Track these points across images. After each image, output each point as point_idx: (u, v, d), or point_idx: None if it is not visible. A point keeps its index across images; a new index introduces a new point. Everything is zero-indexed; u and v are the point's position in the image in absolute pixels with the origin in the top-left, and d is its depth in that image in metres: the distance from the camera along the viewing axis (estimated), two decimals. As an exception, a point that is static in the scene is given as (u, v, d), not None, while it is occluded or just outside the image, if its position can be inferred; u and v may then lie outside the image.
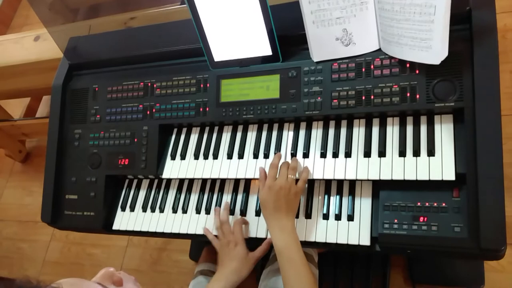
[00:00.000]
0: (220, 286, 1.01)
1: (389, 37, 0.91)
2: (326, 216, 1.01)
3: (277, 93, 1.06)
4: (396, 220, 0.91)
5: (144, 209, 1.21)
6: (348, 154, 0.99)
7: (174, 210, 1.17)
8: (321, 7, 0.93)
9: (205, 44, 1.09)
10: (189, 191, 1.19)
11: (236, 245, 1.05)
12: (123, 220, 1.22)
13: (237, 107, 1.10)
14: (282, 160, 1.03)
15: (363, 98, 0.97)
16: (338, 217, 1.00)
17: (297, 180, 0.99)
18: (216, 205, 1.13)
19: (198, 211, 1.15)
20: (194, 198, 1.18)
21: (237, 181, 1.15)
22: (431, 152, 0.91)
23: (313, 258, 1.21)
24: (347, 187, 1.03)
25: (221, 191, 1.15)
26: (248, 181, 1.14)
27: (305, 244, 0.99)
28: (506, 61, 1.69)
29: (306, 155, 1.03)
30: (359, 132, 1.01)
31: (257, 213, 1.08)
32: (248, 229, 1.08)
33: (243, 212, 1.10)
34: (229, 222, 1.08)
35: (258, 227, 1.07)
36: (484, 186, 0.82)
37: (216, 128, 1.17)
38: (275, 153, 1.06)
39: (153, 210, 1.20)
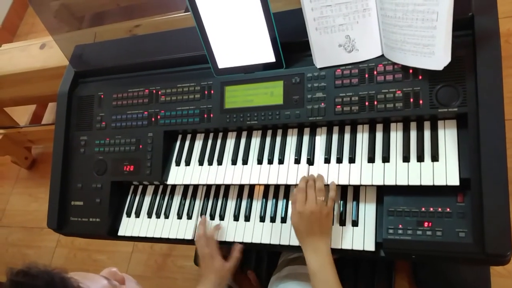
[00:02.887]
0: None
1: (392, 43, 0.91)
2: (330, 222, 1.01)
3: (280, 99, 1.07)
4: (400, 226, 0.91)
5: (149, 215, 1.22)
6: (352, 160, 0.99)
7: (179, 216, 1.18)
8: (324, 14, 0.94)
9: (209, 51, 1.10)
10: (193, 197, 1.20)
11: (212, 257, 1.07)
12: (129, 226, 1.23)
13: (241, 114, 1.10)
14: (303, 171, 1.03)
15: (367, 103, 0.98)
16: (342, 223, 1.00)
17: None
18: (220, 212, 1.13)
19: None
20: (198, 204, 1.18)
21: (241, 187, 1.15)
22: (435, 158, 0.92)
23: None
24: (351, 193, 1.03)
25: (226, 197, 1.16)
26: (252, 187, 1.14)
27: (309, 249, 0.99)
28: (509, 66, 1.68)
29: (310, 161, 1.03)
30: (362, 138, 1.01)
31: (262, 219, 1.08)
32: (223, 234, 1.10)
33: (248, 218, 1.10)
34: (204, 236, 1.09)
35: (262, 234, 1.07)
36: (489, 191, 0.82)
37: (220, 134, 1.18)
38: (279, 159, 1.07)
39: (158, 216, 1.20)
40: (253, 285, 1.41)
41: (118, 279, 0.77)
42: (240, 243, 1.09)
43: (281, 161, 1.07)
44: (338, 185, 1.01)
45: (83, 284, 0.65)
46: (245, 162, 1.10)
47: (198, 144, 1.19)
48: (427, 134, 0.95)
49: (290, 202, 1.02)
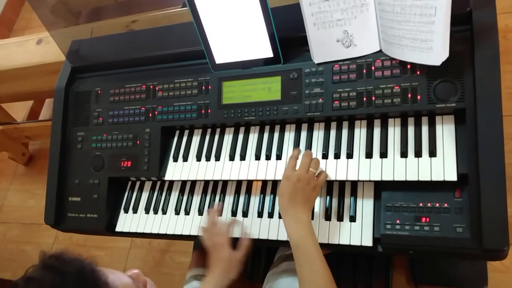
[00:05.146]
0: None
1: (390, 38, 0.91)
2: (328, 217, 1.01)
3: (278, 95, 1.06)
4: (398, 221, 0.91)
5: (147, 210, 1.21)
6: (349, 155, 0.99)
7: (177, 212, 1.18)
8: (322, 9, 0.93)
9: (207, 46, 1.09)
10: (191, 192, 1.19)
11: (222, 247, 1.04)
12: (126, 222, 1.22)
13: (239, 109, 1.10)
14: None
15: (364, 99, 0.97)
16: (340, 218, 1.00)
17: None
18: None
19: (200, 213, 1.15)
20: (196, 199, 1.18)
21: (239, 183, 1.15)
22: (432, 153, 0.92)
23: None
24: (349, 188, 1.03)
25: (223, 192, 1.16)
26: (250, 183, 1.14)
27: (307, 245, 0.99)
28: (507, 62, 1.69)
29: (308, 156, 1.03)
30: (360, 133, 1.01)
31: (259, 215, 1.08)
32: (239, 229, 1.08)
33: (245, 214, 1.10)
34: (216, 225, 1.07)
35: (260, 229, 1.07)
36: (486, 186, 0.82)
37: (218, 130, 1.17)
38: (277, 155, 1.07)
39: (155, 212, 1.20)
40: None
41: (141, 280, 0.77)
42: (238, 238, 1.08)
43: (279, 157, 1.07)
44: (335, 181, 1.01)
45: (110, 279, 0.66)
46: (243, 157, 1.10)
47: (195, 140, 1.19)
48: (425, 130, 0.95)
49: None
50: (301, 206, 0.93)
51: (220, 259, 1.04)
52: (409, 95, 0.93)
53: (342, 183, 1.04)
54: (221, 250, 1.04)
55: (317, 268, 0.88)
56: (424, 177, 0.90)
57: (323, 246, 0.99)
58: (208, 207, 1.15)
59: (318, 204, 1.04)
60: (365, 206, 0.99)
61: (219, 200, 1.14)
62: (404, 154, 0.94)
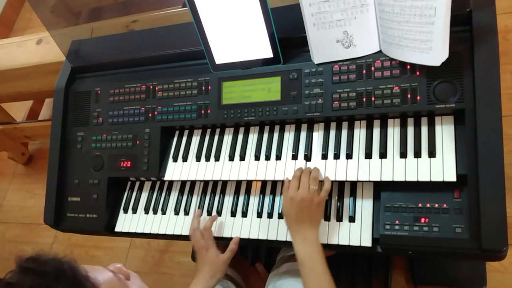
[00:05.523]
0: None
1: (389, 39, 0.91)
2: (327, 218, 1.01)
3: (278, 95, 1.07)
4: (397, 221, 0.91)
5: (146, 211, 1.21)
6: (349, 156, 0.99)
7: (176, 212, 1.18)
8: (322, 10, 0.94)
9: (207, 46, 1.09)
10: (191, 193, 1.20)
11: (207, 249, 1.06)
12: (126, 222, 1.22)
13: (239, 109, 1.10)
14: (300, 165, 1.03)
15: (364, 99, 0.97)
16: (339, 219, 1.00)
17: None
18: (217, 208, 1.13)
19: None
20: (196, 200, 1.18)
21: (238, 183, 1.15)
22: (432, 153, 0.92)
23: None
24: (348, 189, 1.03)
25: (223, 193, 1.16)
26: (249, 183, 1.14)
27: (306, 245, 0.99)
28: (506, 62, 1.69)
29: (307, 156, 1.03)
30: (360, 134, 1.01)
31: (259, 215, 1.08)
32: (220, 230, 1.10)
33: (245, 214, 1.10)
34: (199, 228, 1.09)
35: (259, 229, 1.07)
36: (485, 187, 0.82)
37: (217, 130, 1.17)
38: (276, 155, 1.07)
39: (155, 212, 1.20)
40: (261, 277, 1.41)
41: (123, 273, 0.77)
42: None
43: (278, 157, 1.07)
44: (335, 181, 1.01)
45: (90, 273, 0.66)
46: (242, 158, 1.10)
47: (195, 140, 1.19)
48: (424, 130, 0.95)
49: (283, 189, 1.01)
50: (308, 224, 0.95)
51: (206, 261, 1.06)
52: (409, 96, 0.94)
53: (341, 184, 1.04)
54: (206, 253, 1.06)
55: (323, 284, 0.90)
56: (424, 177, 0.90)
57: (324, 247, 1.00)
58: (208, 207, 1.15)
59: (318, 205, 1.04)
60: (364, 207, 0.99)
61: (219, 200, 1.14)
62: (403, 155, 0.94)
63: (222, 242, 1.10)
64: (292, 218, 0.96)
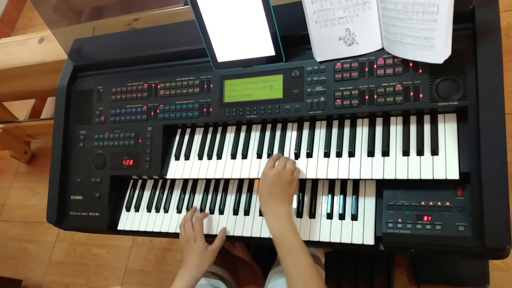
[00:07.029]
0: (184, 282, 1.02)
1: (392, 36, 0.91)
2: (330, 216, 1.01)
3: (280, 93, 1.06)
4: (400, 219, 0.91)
5: (149, 209, 1.22)
6: (351, 154, 0.99)
7: (179, 210, 1.18)
8: (324, 7, 0.93)
9: (208, 45, 1.09)
10: (193, 191, 1.20)
11: (196, 240, 1.06)
12: (128, 220, 1.23)
13: (241, 107, 1.10)
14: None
15: (367, 97, 0.97)
16: (342, 217, 1.00)
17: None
18: (219, 206, 1.13)
19: (202, 211, 1.15)
20: (198, 198, 1.18)
21: (241, 181, 1.15)
22: (434, 151, 0.91)
23: (320, 260, 1.20)
24: (350, 187, 1.03)
25: (225, 191, 1.16)
26: (252, 181, 1.14)
27: (309, 243, 0.99)
28: (510, 60, 1.68)
29: (309, 154, 1.03)
30: (362, 132, 1.01)
31: (261, 213, 1.08)
32: (211, 224, 1.11)
33: (247, 212, 1.10)
34: (191, 220, 1.10)
35: (262, 227, 1.07)
36: (488, 184, 0.82)
37: (219, 129, 1.17)
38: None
39: (157, 210, 1.20)
40: (250, 271, 1.40)
41: None
42: (239, 237, 1.09)
43: (280, 155, 1.07)
44: (338, 179, 1.01)
45: None
46: (244, 156, 1.10)
47: (197, 138, 1.19)
48: (427, 128, 0.95)
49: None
50: (279, 201, 0.96)
51: (193, 252, 1.06)
52: (411, 93, 0.93)
53: (344, 182, 1.04)
54: (195, 243, 1.06)
55: (300, 261, 0.88)
56: (426, 175, 0.90)
57: (324, 244, 1.00)
58: (210, 205, 1.15)
59: (320, 203, 1.04)
60: (367, 205, 0.99)
61: (221, 199, 1.14)
62: (406, 153, 0.94)
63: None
64: (264, 195, 0.97)
